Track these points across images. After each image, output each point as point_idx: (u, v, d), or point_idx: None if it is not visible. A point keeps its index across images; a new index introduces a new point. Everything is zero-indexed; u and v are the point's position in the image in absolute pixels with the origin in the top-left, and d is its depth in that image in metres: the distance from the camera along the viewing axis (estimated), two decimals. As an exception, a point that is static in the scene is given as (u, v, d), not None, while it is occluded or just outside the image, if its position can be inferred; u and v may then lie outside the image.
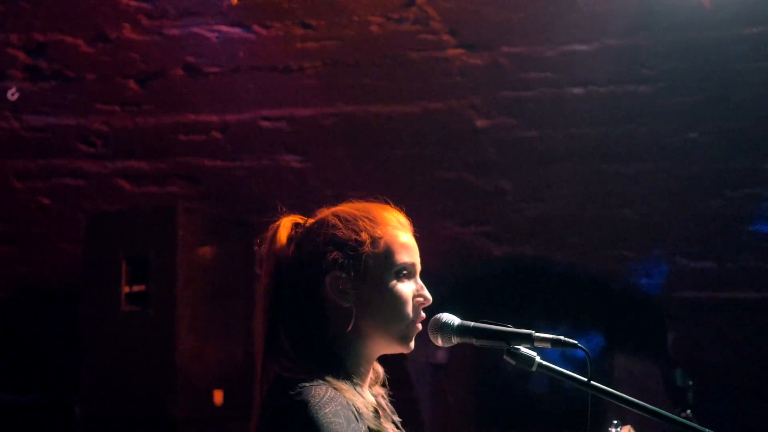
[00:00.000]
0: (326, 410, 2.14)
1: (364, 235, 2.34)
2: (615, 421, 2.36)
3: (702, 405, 5.29)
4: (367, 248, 2.33)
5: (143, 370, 5.52)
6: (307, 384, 2.18)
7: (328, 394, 2.17)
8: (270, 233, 2.41)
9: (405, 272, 2.36)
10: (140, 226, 5.69)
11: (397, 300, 2.34)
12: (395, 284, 2.34)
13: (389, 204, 2.44)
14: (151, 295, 5.58)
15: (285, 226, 2.40)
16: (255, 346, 2.39)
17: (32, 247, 6.75)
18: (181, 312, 5.53)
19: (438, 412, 6.62)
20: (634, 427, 2.44)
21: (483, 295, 6.46)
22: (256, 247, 2.46)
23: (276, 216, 2.45)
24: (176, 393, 5.47)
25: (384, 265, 2.34)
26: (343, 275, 2.31)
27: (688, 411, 4.93)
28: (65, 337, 6.17)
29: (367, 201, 2.44)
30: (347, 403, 2.20)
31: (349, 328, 2.31)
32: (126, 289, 5.64)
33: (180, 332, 5.51)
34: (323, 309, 2.34)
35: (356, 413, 2.20)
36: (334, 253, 2.32)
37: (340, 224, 2.35)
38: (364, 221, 2.36)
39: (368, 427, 2.21)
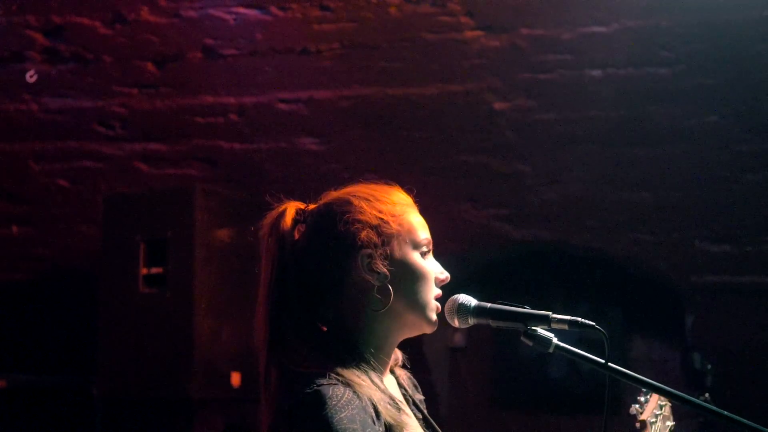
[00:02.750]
0: (342, 415, 2.09)
1: (388, 215, 2.33)
2: (644, 389, 2.34)
3: (720, 389, 5.28)
4: (394, 227, 2.32)
5: (161, 351, 5.53)
6: (324, 382, 2.14)
7: (346, 396, 2.13)
8: (272, 219, 2.36)
9: (425, 250, 2.37)
10: (158, 208, 5.69)
11: (425, 276, 2.34)
12: (420, 261, 2.35)
13: (393, 184, 2.44)
14: (169, 277, 5.58)
15: (290, 211, 2.36)
16: (256, 339, 2.33)
17: (50, 229, 6.77)
18: (198, 294, 5.54)
19: (455, 395, 6.61)
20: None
21: (501, 279, 6.44)
22: (258, 234, 2.39)
23: (280, 201, 2.41)
24: (194, 375, 5.47)
25: (409, 242, 2.33)
26: (376, 252, 2.30)
27: (707, 395, 4.90)
28: (83, 319, 6.19)
29: (370, 182, 2.43)
30: (364, 404, 2.15)
31: (386, 308, 2.28)
32: (144, 271, 5.65)
33: (197, 314, 5.52)
34: (343, 293, 2.31)
35: (374, 414, 2.16)
36: (366, 230, 2.30)
37: (362, 204, 2.33)
38: (381, 201, 2.35)
39: (386, 423, 2.18)
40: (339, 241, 2.30)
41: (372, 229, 2.30)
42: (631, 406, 2.31)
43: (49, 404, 6.38)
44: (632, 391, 2.33)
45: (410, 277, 2.32)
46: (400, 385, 2.43)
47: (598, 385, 2.30)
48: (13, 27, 6.48)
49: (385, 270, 2.29)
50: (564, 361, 6.41)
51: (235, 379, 5.68)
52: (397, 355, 2.45)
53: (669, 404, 2.38)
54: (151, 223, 5.67)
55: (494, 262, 6.54)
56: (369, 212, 2.31)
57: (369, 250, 2.29)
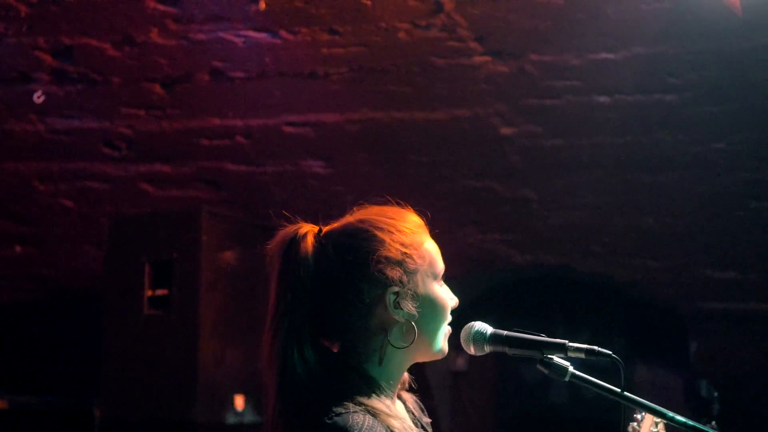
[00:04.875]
0: None
1: (410, 248, 2.31)
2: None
3: (726, 416, 5.26)
4: (417, 261, 2.31)
5: (165, 374, 5.52)
6: (342, 410, 2.12)
7: (367, 423, 2.11)
8: (286, 241, 2.30)
9: (441, 278, 2.37)
10: (164, 230, 5.70)
11: (445, 308, 2.34)
12: (440, 292, 2.34)
13: (405, 205, 2.42)
14: (174, 299, 5.58)
15: (309, 237, 2.31)
16: (264, 366, 2.28)
17: (55, 250, 6.77)
18: (203, 316, 5.54)
19: (457, 419, 6.61)
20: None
21: (505, 303, 6.45)
22: (271, 256, 2.32)
23: (284, 224, 2.36)
24: (198, 397, 5.47)
25: (430, 275, 2.33)
26: (403, 290, 2.27)
27: (713, 422, 4.89)
28: (87, 340, 6.18)
29: (383, 206, 2.40)
30: (385, 430, 2.14)
31: (410, 344, 2.27)
32: (149, 293, 5.65)
33: (202, 336, 5.51)
34: (365, 328, 2.28)
35: None
36: (394, 269, 2.27)
37: (386, 238, 2.30)
38: (402, 232, 2.32)
39: None
40: (366, 278, 2.27)
41: (398, 266, 2.28)
42: (629, 425, 2.33)
43: (51, 426, 6.36)
44: (625, 410, 2.35)
45: (432, 311, 2.32)
46: (408, 410, 2.42)
47: (600, 410, 2.31)
48: (23, 48, 6.48)
49: (413, 310, 2.28)
50: (566, 388, 6.41)
51: (239, 402, 5.66)
52: (404, 377, 2.43)
53: (663, 422, 2.39)
54: (156, 244, 5.67)
55: (499, 286, 6.55)
56: (393, 247, 2.29)
57: (396, 288, 2.27)
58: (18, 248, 6.81)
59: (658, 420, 2.38)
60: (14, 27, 6.44)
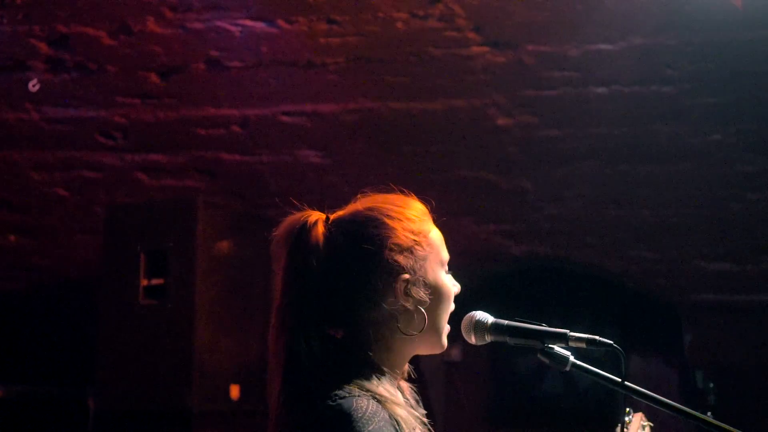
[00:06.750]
0: (370, 427, 2.07)
1: (420, 236, 2.30)
2: (627, 409, 2.37)
3: (721, 407, 5.28)
4: (426, 249, 2.30)
5: (160, 363, 5.51)
6: (345, 394, 2.12)
7: (371, 407, 2.11)
8: (295, 228, 2.29)
9: (447, 266, 2.36)
10: (159, 220, 5.69)
11: (449, 295, 2.34)
12: (447, 281, 2.34)
13: (409, 193, 2.41)
14: (169, 288, 5.57)
15: (319, 223, 2.30)
16: (270, 354, 2.28)
17: (49, 239, 6.75)
18: (199, 306, 5.53)
19: (451, 409, 6.61)
20: (655, 427, 2.45)
21: (500, 294, 6.45)
22: (277, 243, 2.30)
23: (292, 210, 2.35)
24: (193, 387, 5.46)
25: (437, 262, 2.33)
26: (414, 277, 2.27)
27: (709, 413, 4.90)
28: (82, 330, 6.17)
29: (388, 194, 2.39)
30: (389, 416, 2.14)
31: (420, 331, 2.27)
32: (144, 282, 5.64)
33: (197, 326, 5.51)
34: (374, 315, 2.27)
35: (396, 426, 2.15)
36: (404, 256, 2.27)
37: (395, 225, 2.29)
38: (410, 220, 2.32)
39: None
40: (378, 266, 2.26)
41: (409, 253, 2.28)
42: (617, 425, 2.33)
43: (45, 415, 6.36)
44: (615, 409, 2.35)
45: (441, 298, 2.32)
46: (405, 399, 2.42)
47: (593, 402, 2.31)
48: (18, 36, 6.46)
49: (424, 297, 2.27)
50: (560, 379, 6.41)
51: (234, 391, 5.66)
52: (405, 367, 2.42)
53: (650, 425, 2.40)
54: (152, 234, 5.66)
55: (494, 277, 6.54)
56: (403, 234, 2.28)
57: (407, 276, 2.27)
58: (12, 237, 6.79)
59: (645, 423, 2.38)
60: (9, 15, 6.42)
